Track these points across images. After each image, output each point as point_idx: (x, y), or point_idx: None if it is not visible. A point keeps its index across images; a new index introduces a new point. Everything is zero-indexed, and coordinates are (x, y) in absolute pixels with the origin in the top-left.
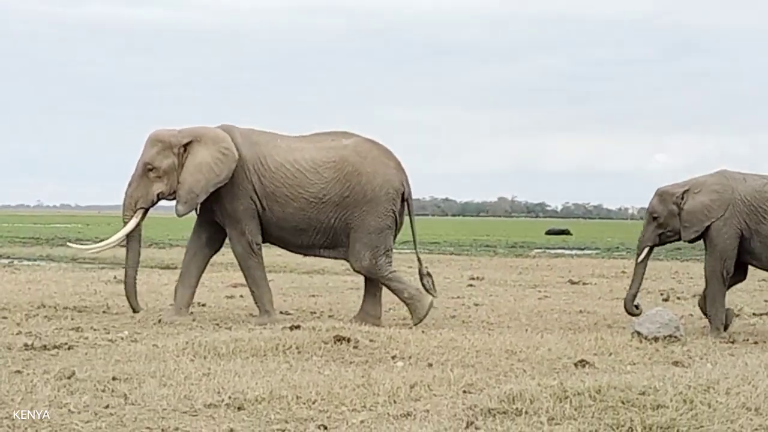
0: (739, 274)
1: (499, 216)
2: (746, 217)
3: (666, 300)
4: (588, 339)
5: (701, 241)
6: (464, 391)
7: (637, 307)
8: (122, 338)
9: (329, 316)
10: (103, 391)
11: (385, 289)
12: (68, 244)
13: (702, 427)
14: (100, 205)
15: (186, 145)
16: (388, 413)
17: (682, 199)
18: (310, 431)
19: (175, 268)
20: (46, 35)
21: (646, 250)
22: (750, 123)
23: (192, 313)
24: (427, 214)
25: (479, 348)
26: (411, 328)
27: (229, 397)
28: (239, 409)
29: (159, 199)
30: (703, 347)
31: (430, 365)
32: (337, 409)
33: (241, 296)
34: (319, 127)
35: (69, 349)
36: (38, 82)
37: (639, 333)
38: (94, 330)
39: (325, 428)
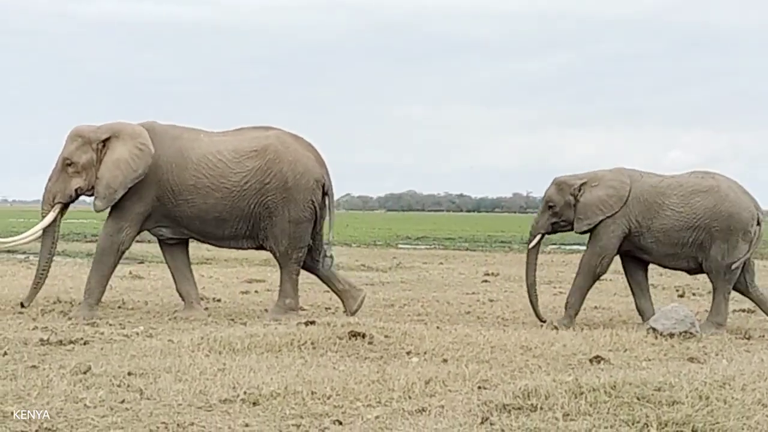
0: (638, 272)
1: (514, 212)
2: (638, 215)
3: (681, 296)
4: (603, 335)
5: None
6: (479, 387)
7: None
8: (137, 333)
9: (344, 312)
10: (119, 386)
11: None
12: None
13: (717, 423)
14: None
15: (105, 141)
16: (403, 409)
17: (579, 191)
18: (325, 426)
19: (197, 263)
20: (56, 33)
21: (538, 237)
22: (763, 119)
23: (207, 308)
24: (442, 210)
25: (494, 344)
26: (426, 324)
27: (245, 393)
28: (254, 404)
29: (78, 195)
30: (719, 343)
31: (445, 361)
32: (352, 404)
33: (256, 292)
34: (331, 124)
35: (85, 344)
36: (50, 79)
37: (654, 329)
38: (110, 325)
39: (340, 423)
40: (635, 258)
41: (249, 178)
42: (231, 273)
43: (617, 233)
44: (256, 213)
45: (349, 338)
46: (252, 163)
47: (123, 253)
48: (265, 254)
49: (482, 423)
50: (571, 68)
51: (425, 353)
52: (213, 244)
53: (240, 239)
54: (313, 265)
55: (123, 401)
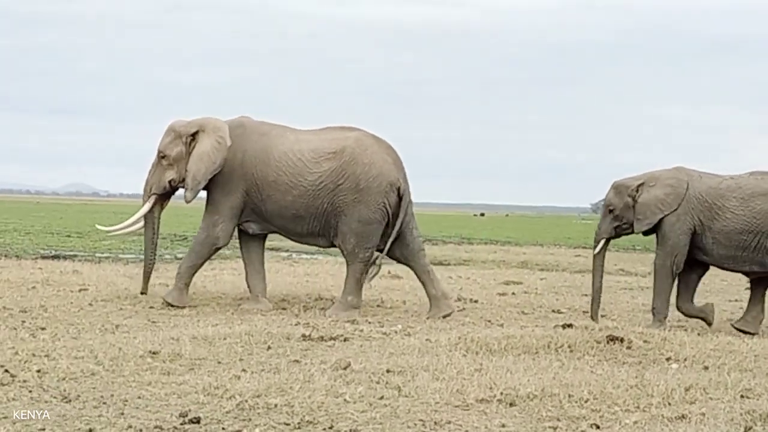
0: (697, 271)
1: None
2: (700, 213)
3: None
4: None
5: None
6: (741, 396)
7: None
8: (396, 332)
9: (602, 316)
10: (378, 382)
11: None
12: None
13: None
14: None
15: (193, 135)
16: (662, 415)
17: (637, 191)
18: (582, 430)
19: (448, 264)
20: (321, 33)
21: (603, 242)
22: None
23: (463, 308)
24: None
25: (758, 352)
26: (686, 330)
27: (501, 393)
28: (511, 405)
29: (172, 187)
30: None
31: (706, 368)
32: (609, 408)
33: (513, 294)
34: (587, 125)
35: (345, 341)
36: (319, 80)
37: None
38: (369, 323)
39: (598, 427)
40: (693, 260)
41: (324, 178)
42: (488, 275)
43: (684, 229)
44: (327, 211)
45: (607, 342)
46: (329, 164)
47: (217, 248)
48: (522, 256)
49: None
50: None
51: (685, 360)
52: (294, 240)
53: (315, 237)
54: (409, 261)
55: (381, 397)
